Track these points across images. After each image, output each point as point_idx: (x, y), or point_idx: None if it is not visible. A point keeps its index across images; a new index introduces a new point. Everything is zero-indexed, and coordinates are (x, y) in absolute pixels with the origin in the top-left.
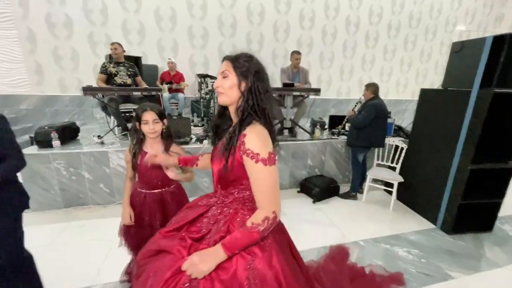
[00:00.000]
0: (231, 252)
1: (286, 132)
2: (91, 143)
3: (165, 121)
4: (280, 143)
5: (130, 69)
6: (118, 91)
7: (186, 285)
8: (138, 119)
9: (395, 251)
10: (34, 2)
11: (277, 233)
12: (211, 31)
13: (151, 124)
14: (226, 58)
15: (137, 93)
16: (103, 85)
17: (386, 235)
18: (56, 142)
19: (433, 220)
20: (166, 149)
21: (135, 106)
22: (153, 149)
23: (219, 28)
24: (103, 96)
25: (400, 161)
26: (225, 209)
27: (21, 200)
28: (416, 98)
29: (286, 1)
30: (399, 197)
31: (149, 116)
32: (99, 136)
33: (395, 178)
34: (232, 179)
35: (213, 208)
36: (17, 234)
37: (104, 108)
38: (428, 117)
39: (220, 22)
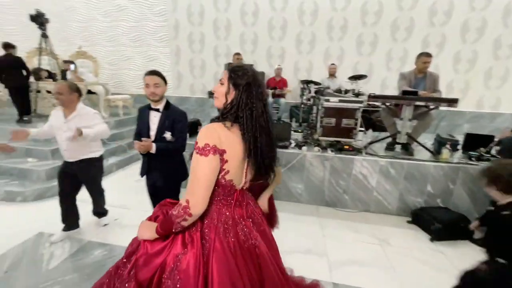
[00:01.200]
0: (160, 230)
1: (398, 148)
2: None
3: None
4: (390, 160)
5: None
6: None
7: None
8: None
9: None
10: (182, 25)
11: (242, 248)
12: (318, 36)
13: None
14: (228, 67)
15: None
16: None
17: None
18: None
19: None
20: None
21: None
22: None
23: (328, 33)
24: None
25: None
26: None
27: (182, 172)
28: None
29: None
30: None
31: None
32: None
33: None
34: None
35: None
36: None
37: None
38: None
39: (330, 26)
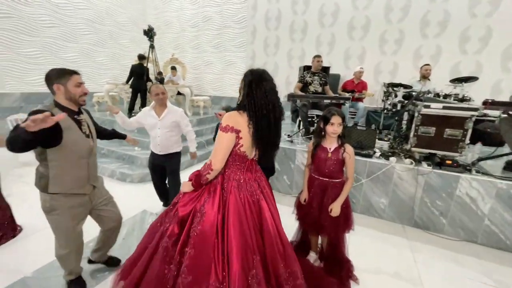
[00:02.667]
0: (194, 183)
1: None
2: (282, 140)
3: (343, 123)
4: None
5: (322, 79)
6: (313, 98)
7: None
8: (326, 120)
9: None
10: (259, 30)
11: (248, 201)
12: (408, 34)
13: (336, 126)
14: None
15: (327, 101)
16: (300, 93)
17: None
18: None
19: None
20: (339, 147)
21: (320, 113)
22: (332, 146)
23: (421, 29)
24: (299, 101)
25: None
26: None
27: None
28: None
29: None
30: None
31: (335, 119)
32: (289, 135)
33: None
34: None
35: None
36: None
37: (293, 111)
38: None
39: (425, 22)
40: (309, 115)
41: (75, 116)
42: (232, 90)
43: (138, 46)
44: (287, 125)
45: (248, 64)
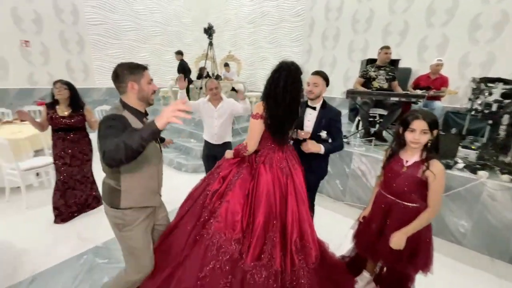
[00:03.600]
0: (235, 154)
1: None
2: None
3: (435, 132)
4: None
5: (389, 73)
6: (377, 95)
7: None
8: (405, 124)
9: None
10: (318, 22)
11: (278, 176)
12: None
13: (417, 134)
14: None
15: (394, 98)
16: (361, 89)
17: None
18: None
19: None
20: (421, 162)
21: (385, 112)
22: (410, 158)
23: None
24: (359, 99)
25: None
26: None
27: (325, 169)
28: None
29: None
30: None
31: (418, 124)
32: (345, 136)
33: None
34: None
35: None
36: None
37: (352, 109)
38: None
39: None
40: (370, 115)
41: (144, 119)
42: None
43: (200, 45)
44: (344, 125)
45: (304, 59)
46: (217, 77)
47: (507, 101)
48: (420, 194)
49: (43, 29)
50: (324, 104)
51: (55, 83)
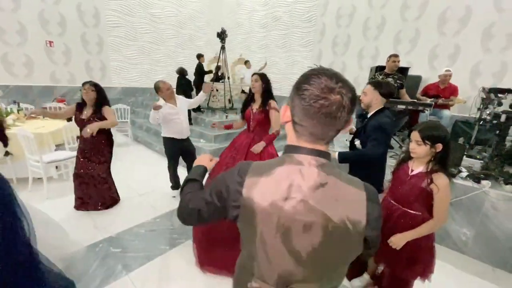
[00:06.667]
0: (266, 141)
1: None
2: (341, 145)
3: (438, 146)
4: None
5: (398, 81)
6: (391, 103)
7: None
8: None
9: None
10: (329, 29)
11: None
12: None
13: (412, 144)
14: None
15: (401, 106)
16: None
17: None
18: None
19: None
20: (426, 174)
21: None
22: (416, 168)
23: None
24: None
25: None
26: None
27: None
28: None
29: None
30: None
31: (413, 135)
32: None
33: None
34: (265, 123)
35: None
36: None
37: (359, 116)
38: None
39: None
40: None
41: None
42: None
43: (212, 47)
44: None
45: (313, 64)
46: (228, 78)
47: None
48: (424, 204)
49: (66, 30)
50: (375, 114)
51: (84, 84)
